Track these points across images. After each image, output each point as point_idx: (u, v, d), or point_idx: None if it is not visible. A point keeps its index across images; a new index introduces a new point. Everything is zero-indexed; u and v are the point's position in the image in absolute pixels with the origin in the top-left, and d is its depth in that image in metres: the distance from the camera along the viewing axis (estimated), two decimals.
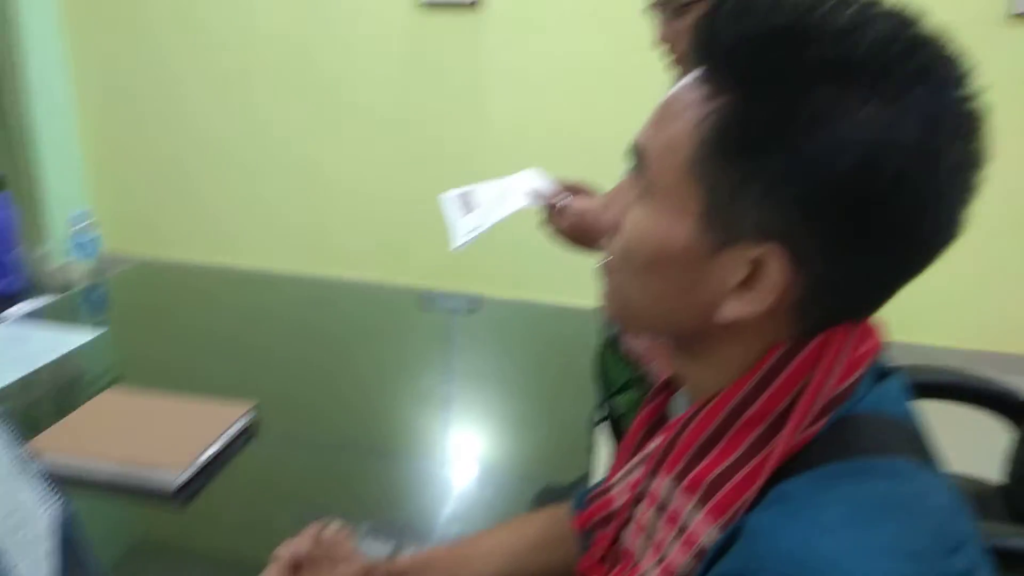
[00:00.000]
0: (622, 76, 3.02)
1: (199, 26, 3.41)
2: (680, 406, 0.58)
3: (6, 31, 3.15)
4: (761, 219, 0.46)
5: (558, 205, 1.05)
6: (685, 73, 1.04)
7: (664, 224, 0.48)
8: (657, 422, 0.60)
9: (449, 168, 3.34)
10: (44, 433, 1.02)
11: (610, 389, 1.17)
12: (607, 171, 2.89)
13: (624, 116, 3.01)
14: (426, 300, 1.83)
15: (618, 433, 1.16)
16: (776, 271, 0.46)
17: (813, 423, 0.47)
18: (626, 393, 1.12)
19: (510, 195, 1.13)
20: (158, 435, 1.02)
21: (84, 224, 1.75)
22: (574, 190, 1.19)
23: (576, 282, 3.03)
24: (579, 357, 1.43)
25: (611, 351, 1.19)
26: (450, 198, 1.23)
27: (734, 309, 0.48)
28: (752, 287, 0.47)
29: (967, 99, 0.44)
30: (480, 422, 1.25)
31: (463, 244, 1.10)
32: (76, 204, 3.75)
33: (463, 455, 1.14)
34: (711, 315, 0.49)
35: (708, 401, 0.51)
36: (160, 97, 3.58)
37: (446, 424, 1.21)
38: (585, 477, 1.06)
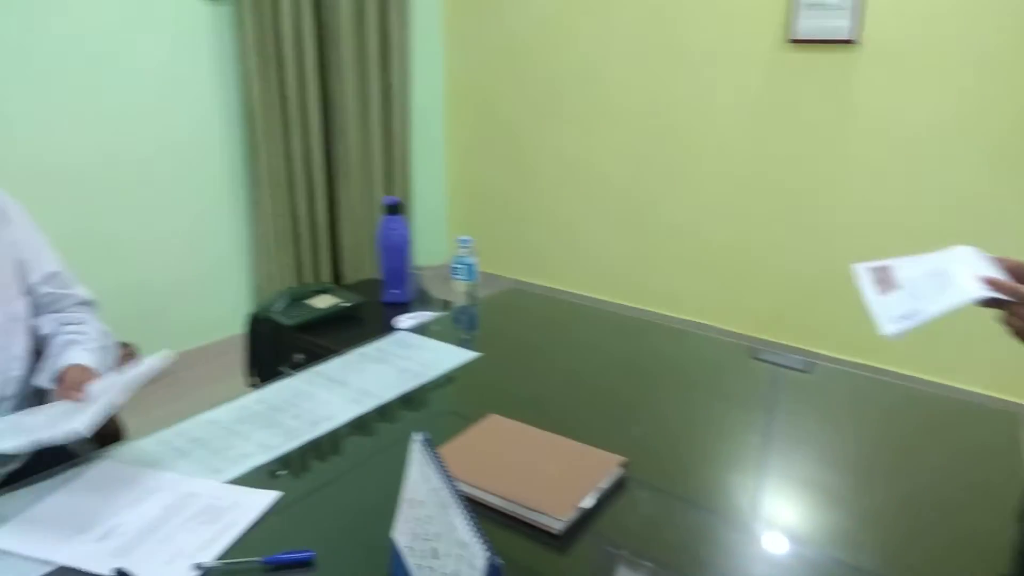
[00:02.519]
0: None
1: (566, 64, 3.64)
2: None
3: (403, 90, 3.65)
4: None
5: None
6: None
7: None
8: None
9: (802, 218, 3.14)
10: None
11: None
12: (999, 238, 2.51)
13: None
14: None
15: None
16: None
17: None
18: None
19: (951, 281, 0.97)
20: (539, 474, 1.05)
21: (467, 248, 1.92)
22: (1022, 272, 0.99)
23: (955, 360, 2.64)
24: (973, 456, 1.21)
25: None
26: (864, 271, 1.10)
27: None
28: None
29: None
30: (852, 503, 1.10)
31: (898, 333, 0.97)
32: (440, 227, 4.24)
33: (835, 539, 1.01)
34: None
35: None
36: (521, 132, 3.89)
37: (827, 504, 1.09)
38: None
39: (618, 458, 1.09)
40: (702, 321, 3.47)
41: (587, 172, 3.69)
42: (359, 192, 3.58)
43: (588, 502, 1.00)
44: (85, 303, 1.42)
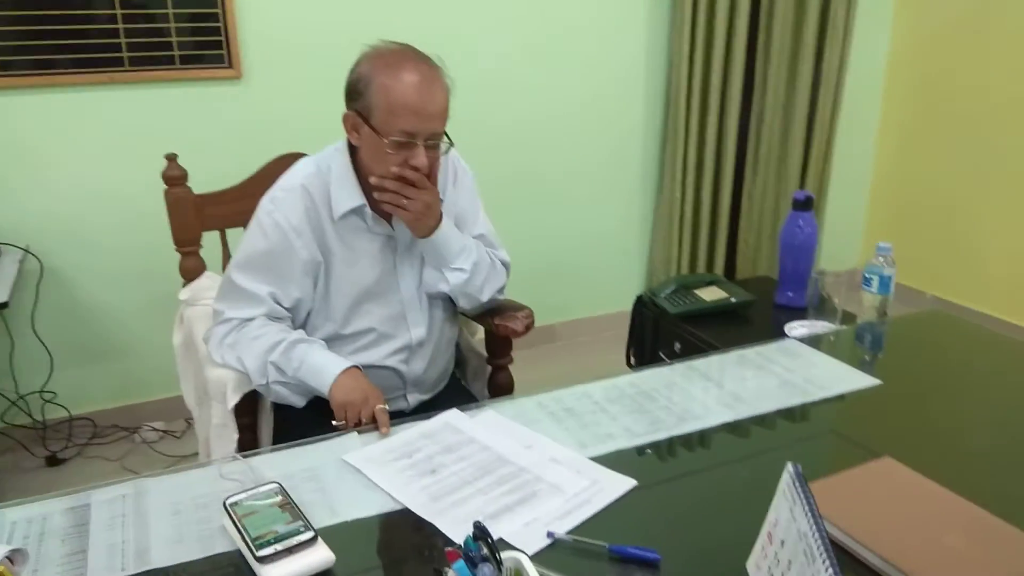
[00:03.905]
0: None
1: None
2: None
3: (838, 75, 3.33)
4: None
5: None
6: None
7: None
8: None
9: None
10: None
11: None
12: None
13: None
14: None
15: None
16: None
17: None
18: None
19: None
20: (937, 545, 0.87)
21: (885, 256, 1.68)
22: None
23: None
24: None
25: None
26: None
27: None
28: None
29: None
30: None
31: None
32: (854, 228, 3.84)
33: None
34: None
35: None
36: (985, 124, 3.28)
37: None
38: None
39: None
40: None
41: None
42: (769, 183, 3.40)
43: None
44: (502, 264, 1.58)
